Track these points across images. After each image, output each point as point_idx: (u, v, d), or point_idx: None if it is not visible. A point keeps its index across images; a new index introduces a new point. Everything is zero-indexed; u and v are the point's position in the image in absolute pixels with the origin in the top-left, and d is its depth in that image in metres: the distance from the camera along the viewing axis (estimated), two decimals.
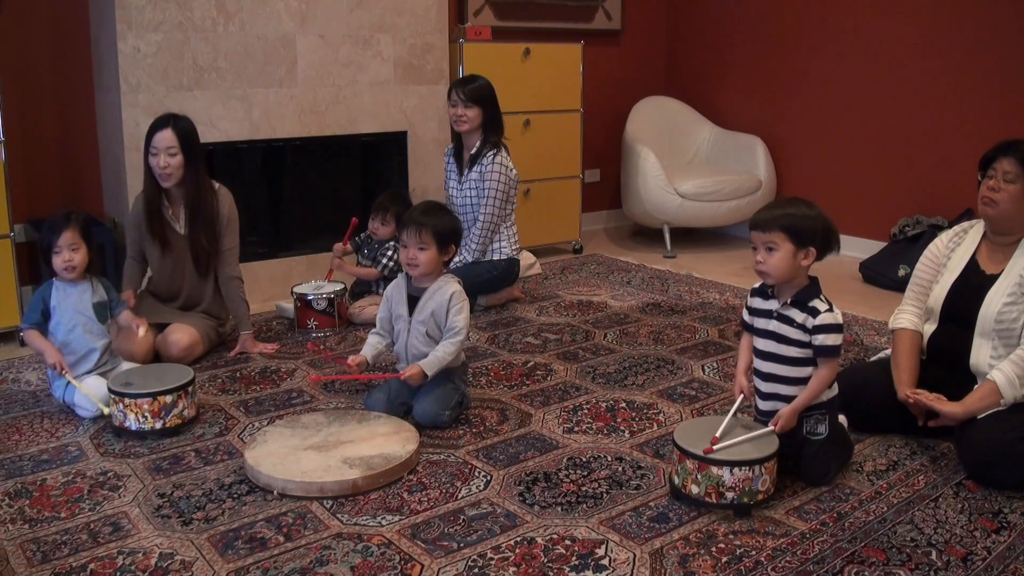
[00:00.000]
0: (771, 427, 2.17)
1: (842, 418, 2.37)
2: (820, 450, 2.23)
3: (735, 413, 2.22)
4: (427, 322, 2.62)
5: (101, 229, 3.75)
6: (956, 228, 2.60)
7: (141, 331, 2.80)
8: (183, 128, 3.07)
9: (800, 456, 2.24)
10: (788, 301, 2.19)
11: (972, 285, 2.44)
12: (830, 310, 2.15)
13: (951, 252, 2.54)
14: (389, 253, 3.68)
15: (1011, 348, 2.32)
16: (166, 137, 3.04)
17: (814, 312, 2.15)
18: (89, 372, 2.71)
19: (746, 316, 2.33)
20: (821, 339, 2.13)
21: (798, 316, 2.16)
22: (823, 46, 4.97)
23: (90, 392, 2.63)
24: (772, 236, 2.13)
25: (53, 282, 2.72)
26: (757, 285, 2.30)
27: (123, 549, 1.95)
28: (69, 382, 2.66)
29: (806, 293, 2.18)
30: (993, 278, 2.41)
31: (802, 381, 2.19)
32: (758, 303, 2.28)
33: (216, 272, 3.24)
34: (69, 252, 2.67)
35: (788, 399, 2.20)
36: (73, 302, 2.70)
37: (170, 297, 3.26)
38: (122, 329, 2.86)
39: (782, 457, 2.19)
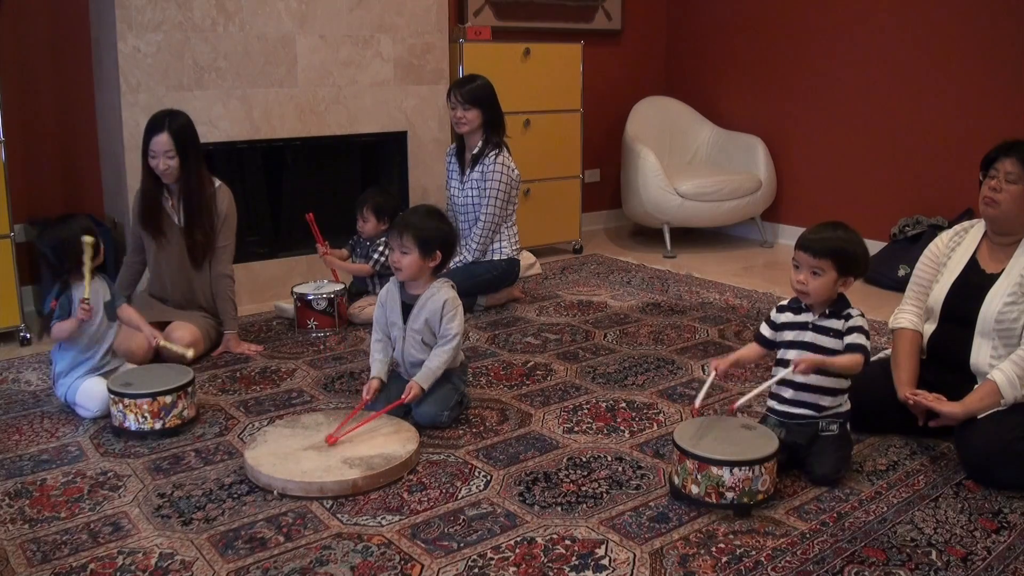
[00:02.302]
0: (791, 369, 2.18)
1: None
2: (832, 446, 2.25)
3: (709, 387, 2.25)
4: (422, 330, 2.61)
5: (101, 229, 3.74)
6: (956, 228, 2.60)
7: (160, 340, 2.79)
8: (178, 129, 3.09)
9: (810, 453, 2.25)
10: (825, 312, 2.25)
11: (972, 284, 2.43)
12: (861, 315, 2.25)
13: (951, 251, 2.54)
14: (380, 248, 3.68)
15: (1011, 348, 2.32)
16: (163, 141, 3.06)
17: (848, 317, 2.23)
18: (90, 371, 2.71)
19: (766, 331, 2.34)
20: (854, 337, 2.20)
21: (835, 324, 2.23)
22: (823, 46, 4.97)
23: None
24: (821, 262, 2.20)
25: (69, 282, 2.70)
26: (786, 301, 2.34)
27: (123, 549, 1.95)
28: (72, 382, 2.68)
29: (840, 305, 2.25)
30: (993, 278, 2.41)
31: (829, 391, 2.24)
32: (788, 317, 2.31)
33: (209, 269, 3.25)
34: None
35: (815, 407, 2.25)
36: (91, 299, 2.71)
37: (166, 294, 3.27)
38: (122, 327, 2.86)
39: (793, 450, 2.23)
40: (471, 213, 3.92)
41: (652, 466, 2.36)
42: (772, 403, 2.32)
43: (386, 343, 2.69)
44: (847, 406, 2.29)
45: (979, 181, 2.45)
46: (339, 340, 3.45)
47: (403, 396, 2.54)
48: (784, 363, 2.28)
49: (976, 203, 2.47)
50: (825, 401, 2.25)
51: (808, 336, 2.26)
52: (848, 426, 2.31)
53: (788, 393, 2.27)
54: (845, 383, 2.26)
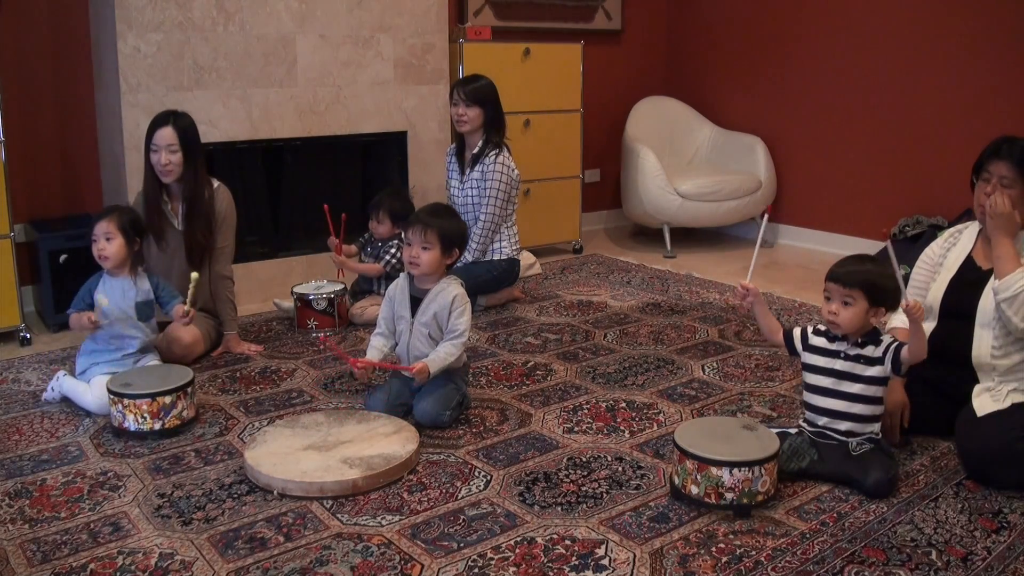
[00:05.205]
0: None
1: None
2: (872, 456, 2.22)
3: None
4: (429, 324, 2.62)
5: None
6: (950, 231, 2.60)
7: (184, 320, 2.84)
8: (183, 125, 3.11)
9: (852, 470, 2.22)
10: (857, 342, 2.24)
11: (970, 281, 2.43)
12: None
13: (946, 253, 2.55)
14: (392, 251, 3.68)
15: (1011, 337, 2.31)
16: (167, 135, 3.07)
17: (881, 342, 2.22)
18: (108, 364, 2.75)
19: (796, 335, 2.33)
20: (896, 344, 2.20)
21: (869, 351, 2.22)
22: (823, 46, 4.97)
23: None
24: (852, 292, 2.19)
25: (103, 275, 2.80)
26: (823, 327, 2.32)
27: (123, 549, 1.96)
28: (88, 366, 2.75)
29: (872, 335, 2.24)
30: (990, 273, 2.40)
31: (854, 417, 2.23)
32: (821, 342, 2.30)
33: (208, 270, 3.25)
34: (103, 241, 2.76)
35: (847, 432, 2.25)
36: (116, 298, 2.76)
37: None
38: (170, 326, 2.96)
39: (830, 468, 2.23)
40: (471, 213, 3.92)
41: (652, 466, 2.36)
42: (804, 424, 2.33)
43: (388, 336, 2.71)
44: (878, 433, 2.27)
45: (971, 182, 2.44)
46: (339, 340, 3.45)
47: (411, 367, 2.55)
48: (814, 387, 2.28)
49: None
50: (857, 427, 2.24)
51: (839, 365, 2.24)
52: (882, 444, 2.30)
53: (822, 421, 2.27)
54: (878, 410, 2.25)
